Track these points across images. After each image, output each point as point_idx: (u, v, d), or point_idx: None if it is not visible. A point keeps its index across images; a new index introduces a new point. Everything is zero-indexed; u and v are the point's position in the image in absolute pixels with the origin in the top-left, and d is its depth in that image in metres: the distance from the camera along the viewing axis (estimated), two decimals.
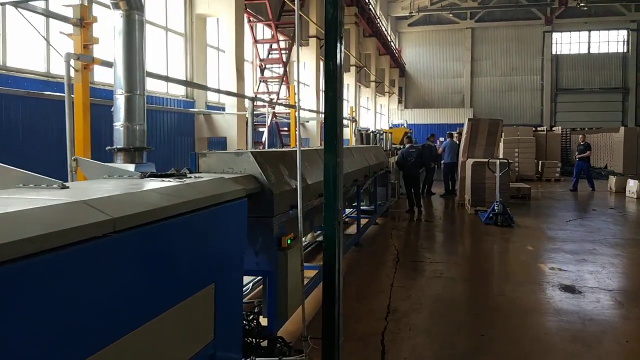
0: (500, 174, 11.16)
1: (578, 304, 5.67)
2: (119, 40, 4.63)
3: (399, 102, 43.47)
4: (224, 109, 11.19)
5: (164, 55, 10.62)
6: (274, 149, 7.22)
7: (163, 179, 2.92)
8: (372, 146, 12.21)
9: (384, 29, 32.03)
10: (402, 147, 13.25)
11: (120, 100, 4.60)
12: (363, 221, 10.60)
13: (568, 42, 44.83)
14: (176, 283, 2.30)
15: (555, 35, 44.80)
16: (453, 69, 46.93)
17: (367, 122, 31.33)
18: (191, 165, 3.83)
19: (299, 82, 3.63)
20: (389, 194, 13.00)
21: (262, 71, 14.36)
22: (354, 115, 16.85)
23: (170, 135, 10.24)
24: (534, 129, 26.59)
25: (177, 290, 2.30)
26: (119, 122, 4.64)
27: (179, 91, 10.78)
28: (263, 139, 12.73)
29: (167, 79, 9.77)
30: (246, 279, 5.27)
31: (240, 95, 10.60)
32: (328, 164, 3.25)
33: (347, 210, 10.26)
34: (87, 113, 5.63)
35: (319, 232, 8.11)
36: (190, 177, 3.11)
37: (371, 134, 14.54)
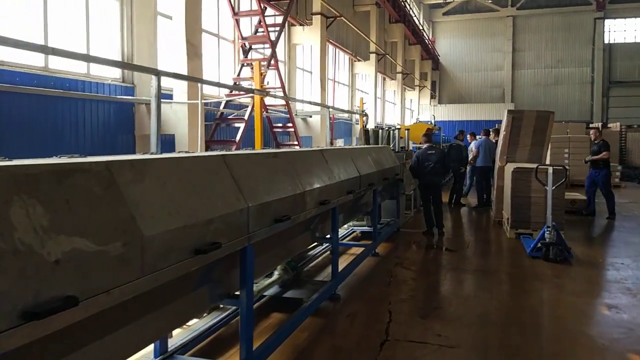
0: (554, 188, 7.90)
1: None
2: None
3: (432, 97, 39.92)
4: (171, 97, 8.31)
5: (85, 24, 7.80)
6: (242, 151, 4.40)
7: None
8: (376, 147, 9.14)
9: (414, 15, 28.74)
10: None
11: None
12: (353, 253, 7.60)
13: (623, 30, 40.44)
14: None
15: (608, 22, 40.51)
16: (492, 61, 43.18)
17: (392, 118, 28.09)
18: None
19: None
20: (400, 209, 9.90)
21: (245, 52, 11.47)
22: (364, 108, 13.83)
23: (98, 133, 7.43)
24: (586, 125, 22.92)
25: None
26: None
27: (110, 73, 7.96)
28: (237, 137, 9.81)
29: (87, 58, 6.98)
30: None
31: (193, 79, 7.70)
32: None
33: (346, 228, 7.28)
34: None
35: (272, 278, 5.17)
36: None
37: (380, 130, 11.42)
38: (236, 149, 9.48)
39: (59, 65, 6.99)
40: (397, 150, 11.16)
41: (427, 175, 9.45)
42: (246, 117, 9.97)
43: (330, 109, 13.18)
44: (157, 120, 4.85)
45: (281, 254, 4.56)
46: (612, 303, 5.69)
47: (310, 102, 11.42)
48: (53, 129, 6.76)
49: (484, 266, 7.43)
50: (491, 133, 13.26)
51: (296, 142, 12.81)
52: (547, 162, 11.00)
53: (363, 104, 14.50)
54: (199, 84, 8.36)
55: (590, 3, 40.16)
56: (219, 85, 8.12)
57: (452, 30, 43.75)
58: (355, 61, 21.29)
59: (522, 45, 42.52)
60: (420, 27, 31.47)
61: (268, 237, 3.79)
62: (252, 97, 10.32)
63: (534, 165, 9.29)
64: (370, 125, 13.61)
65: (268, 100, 12.58)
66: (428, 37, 37.97)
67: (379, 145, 10.02)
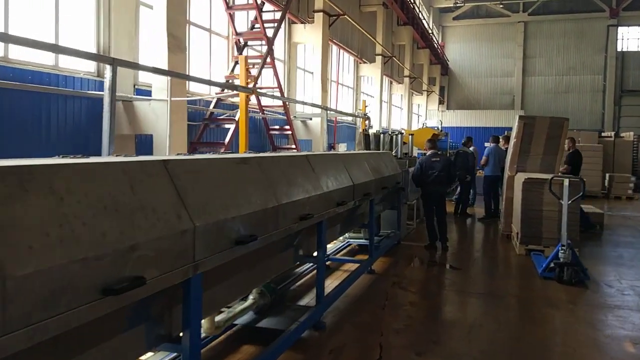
0: (570, 202, 7.14)
1: None
2: None
3: (440, 102, 39.07)
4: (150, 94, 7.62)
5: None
6: (198, 156, 3.71)
7: None
8: (375, 152, 8.42)
9: (423, 18, 27.99)
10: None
11: None
12: (347, 269, 6.87)
13: (636, 38, 39.44)
14: None
15: (621, 29, 39.40)
16: (502, 67, 42.24)
17: (399, 123, 27.33)
18: None
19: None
20: (402, 220, 9.17)
21: (240, 49, 10.77)
22: (367, 111, 13.08)
23: (66, 131, 6.75)
24: (598, 134, 22.08)
25: None
26: None
27: (83, 66, 7.28)
28: (227, 139, 9.11)
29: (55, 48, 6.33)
30: None
31: (172, 74, 7.02)
32: None
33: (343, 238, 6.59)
34: None
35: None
36: None
37: (382, 135, 10.66)
38: (225, 151, 8.79)
39: (21, 55, 6.32)
40: (399, 156, 10.43)
41: (430, 185, 8.72)
42: (237, 118, 9.26)
43: (330, 111, 12.47)
44: (110, 118, 4.18)
45: (252, 280, 3.84)
46: (637, 337, 4.94)
47: (307, 104, 10.66)
48: (17, 125, 6.08)
49: (491, 288, 6.68)
50: (501, 140, 12.50)
51: (294, 146, 12.10)
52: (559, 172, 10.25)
53: (365, 106, 13.77)
54: (186, 81, 7.71)
55: (604, 10, 39.23)
56: (201, 81, 7.39)
57: (462, 35, 42.91)
58: (360, 63, 20.56)
59: (533, 52, 41.58)
60: (430, 31, 30.70)
61: (230, 261, 3.09)
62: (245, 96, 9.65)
63: (547, 176, 8.55)
64: (375, 130, 12.86)
65: (265, 101, 11.91)
66: (437, 41, 37.21)
67: (379, 151, 9.29)
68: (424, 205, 9.16)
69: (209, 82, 7.15)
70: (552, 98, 40.61)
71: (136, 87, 8.20)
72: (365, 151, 8.75)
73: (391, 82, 26.35)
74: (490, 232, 10.91)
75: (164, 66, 7.32)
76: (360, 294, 6.20)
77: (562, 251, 6.82)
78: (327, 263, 7.28)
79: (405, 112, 27.23)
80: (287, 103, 11.30)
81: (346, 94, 19.46)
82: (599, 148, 18.52)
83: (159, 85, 7.51)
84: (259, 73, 10.10)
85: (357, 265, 6.90)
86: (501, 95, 42.09)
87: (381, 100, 21.23)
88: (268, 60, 10.75)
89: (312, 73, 14.19)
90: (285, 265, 4.53)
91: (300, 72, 14.72)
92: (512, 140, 10.06)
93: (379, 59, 20.65)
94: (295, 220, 4.14)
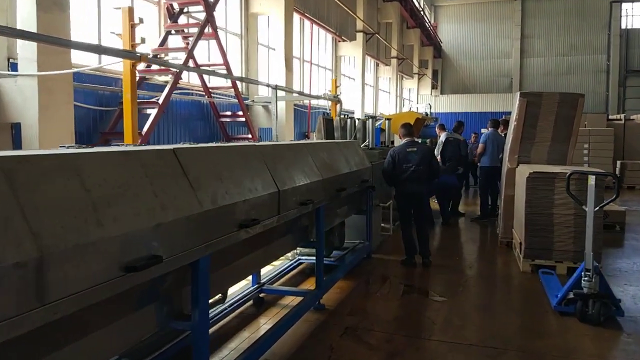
0: (597, 209, 5.08)
1: None
2: None
3: (433, 87, 36.89)
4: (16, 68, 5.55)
5: None
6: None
7: None
8: (333, 142, 6.36)
9: None
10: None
11: None
12: (288, 304, 4.86)
13: None
14: None
15: (625, 5, 37.37)
16: (499, 48, 40.10)
17: (388, 108, 25.20)
18: None
19: None
20: (372, 228, 7.19)
21: (172, 16, 8.68)
22: (337, 93, 10.98)
23: None
24: (607, 117, 20.02)
25: None
26: None
27: None
28: (145, 128, 7.05)
29: None
30: None
31: (43, 39, 4.95)
32: None
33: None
34: None
35: None
36: None
37: (349, 120, 8.57)
38: (142, 144, 6.75)
39: None
40: (370, 146, 8.39)
41: (405, 183, 6.71)
42: (160, 101, 7.21)
43: (294, 94, 10.43)
44: None
45: None
46: None
47: (260, 83, 8.51)
48: None
49: (487, 334, 4.66)
50: (500, 125, 10.45)
51: (250, 135, 10.08)
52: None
53: (336, 86, 11.66)
54: (70, 52, 5.66)
55: None
56: (75, 46, 5.22)
57: (456, 15, 40.69)
58: (339, 41, 18.38)
59: (532, 31, 39.44)
60: (420, 9, 28.49)
61: None
62: (173, 75, 7.60)
63: (560, 169, 6.54)
64: (341, 115, 10.78)
65: (213, 82, 9.86)
66: (430, 21, 34.99)
67: (341, 141, 7.25)
68: (398, 209, 7.15)
69: (80, 46, 5.00)
70: (552, 80, 38.44)
71: (11, 60, 6.15)
72: (320, 141, 6.72)
73: (377, 65, 24.19)
74: (487, 238, 8.93)
75: (32, 28, 5.26)
76: (293, 350, 4.19)
77: (586, 278, 4.82)
78: (261, 295, 5.28)
79: (394, 97, 25.10)
80: (237, 84, 9.25)
81: (324, 76, 17.33)
82: (610, 132, 16.48)
83: (29, 57, 5.44)
84: (194, 44, 8.02)
85: (300, 299, 4.91)
86: (498, 78, 40.01)
87: (363, 83, 19.07)
88: (209, 31, 8.69)
89: (274, 49, 12.06)
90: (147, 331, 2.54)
91: (263, 49, 12.59)
92: (512, 124, 8.02)
93: (360, 36, 18.44)
94: (120, 270, 2.15)
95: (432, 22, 37.41)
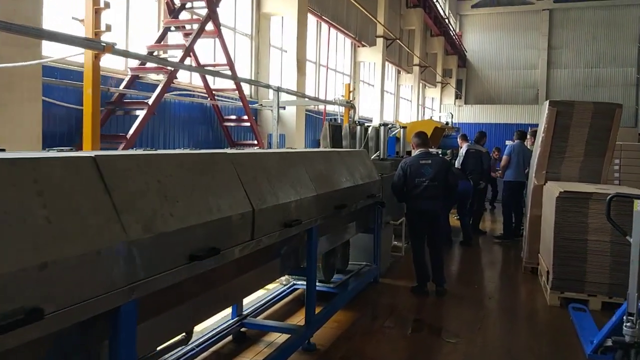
0: None
1: None
2: None
3: (457, 96, 35.90)
4: None
5: None
6: None
7: None
8: (334, 151, 5.62)
9: (437, 1, 24.93)
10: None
11: None
12: (274, 341, 4.13)
13: None
14: None
15: None
16: (525, 58, 38.94)
17: (409, 117, 24.36)
18: None
19: None
20: (381, 249, 6.45)
21: (173, 12, 8.07)
22: (351, 98, 10.20)
23: None
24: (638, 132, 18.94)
25: None
26: None
27: None
28: (131, 131, 6.40)
29: None
30: None
31: None
32: None
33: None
34: None
35: None
36: None
37: (359, 127, 7.80)
38: (125, 149, 6.12)
39: None
40: (382, 157, 7.63)
41: (418, 199, 5.95)
42: (151, 102, 6.58)
43: (305, 98, 9.75)
44: None
45: None
46: None
47: (263, 85, 7.76)
48: None
49: None
50: (528, 137, 9.62)
51: (256, 142, 9.43)
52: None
53: (350, 91, 10.90)
54: (41, 43, 5.03)
55: None
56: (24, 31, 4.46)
57: (482, 25, 39.71)
58: (359, 47, 17.67)
59: (559, 42, 38.26)
60: (445, 17, 27.65)
61: None
62: (167, 74, 6.98)
63: (596, 189, 5.74)
64: (354, 121, 10.00)
65: (218, 83, 9.25)
66: (454, 30, 34.11)
67: (346, 150, 6.50)
68: (409, 229, 6.39)
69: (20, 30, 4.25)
70: (580, 92, 37.13)
71: None
72: (318, 149, 6.01)
73: (399, 72, 23.41)
74: (510, 262, 8.09)
75: None
76: None
77: (628, 323, 4.00)
78: (242, 330, 4.56)
79: (415, 106, 24.29)
80: (245, 87, 8.62)
81: (341, 81, 16.63)
82: None
83: None
84: (192, 41, 7.39)
85: (287, 337, 4.18)
86: (524, 89, 38.86)
87: (383, 90, 18.29)
88: (211, 28, 8.06)
89: (285, 51, 11.39)
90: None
91: (276, 52, 11.94)
92: (540, 136, 7.20)
93: (380, 41, 17.70)
94: None
95: (457, 30, 36.50)
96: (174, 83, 7.40)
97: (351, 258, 6.38)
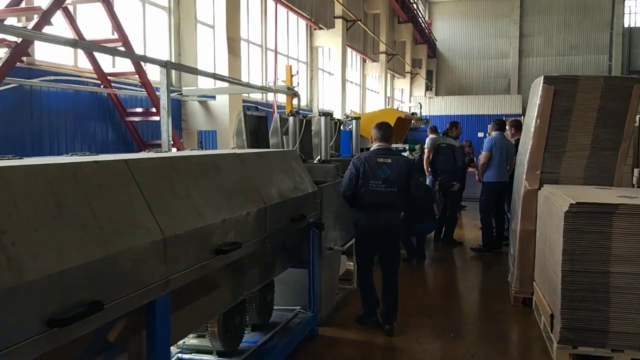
0: None
1: None
2: None
3: (427, 88, 34.33)
4: None
5: None
6: None
7: None
8: (250, 153, 3.72)
9: None
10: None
11: None
12: None
13: None
14: None
15: (628, 3, 35.63)
16: (497, 47, 37.86)
17: (375, 107, 22.58)
18: None
19: None
20: (318, 286, 4.59)
21: None
22: (293, 84, 8.28)
23: None
24: None
25: None
26: None
27: None
28: None
29: None
30: None
31: None
32: None
33: None
34: None
35: None
36: None
37: (292, 118, 5.87)
38: None
39: None
40: (323, 158, 5.74)
41: (371, 208, 4.17)
42: None
43: (240, 85, 7.82)
44: None
45: None
46: None
47: (146, 60, 5.64)
48: None
49: None
50: (507, 127, 7.83)
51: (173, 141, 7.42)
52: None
53: (292, 75, 8.97)
54: None
55: None
56: None
57: (452, 12, 38.35)
58: (315, 29, 15.72)
59: (531, 30, 37.34)
60: (412, 2, 25.91)
61: None
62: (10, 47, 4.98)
63: (621, 196, 3.98)
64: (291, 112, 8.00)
65: (118, 66, 7.27)
66: (423, 17, 32.47)
67: (257, 151, 4.54)
68: (356, 246, 4.59)
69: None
70: None
71: None
72: (199, 152, 4.10)
73: (364, 61, 21.59)
74: (493, 286, 6.27)
75: None
76: None
77: None
78: None
79: (383, 97, 22.51)
80: (142, 65, 6.63)
81: (296, 69, 14.68)
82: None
83: None
84: (53, 4, 5.36)
85: None
86: (496, 79, 37.77)
87: (344, 78, 16.39)
88: None
89: (210, 25, 9.36)
90: None
91: (207, 30, 9.90)
92: (533, 124, 5.39)
93: (339, 23, 15.75)
94: None
95: (427, 18, 34.90)
96: (37, 65, 5.38)
97: (280, 299, 4.51)
